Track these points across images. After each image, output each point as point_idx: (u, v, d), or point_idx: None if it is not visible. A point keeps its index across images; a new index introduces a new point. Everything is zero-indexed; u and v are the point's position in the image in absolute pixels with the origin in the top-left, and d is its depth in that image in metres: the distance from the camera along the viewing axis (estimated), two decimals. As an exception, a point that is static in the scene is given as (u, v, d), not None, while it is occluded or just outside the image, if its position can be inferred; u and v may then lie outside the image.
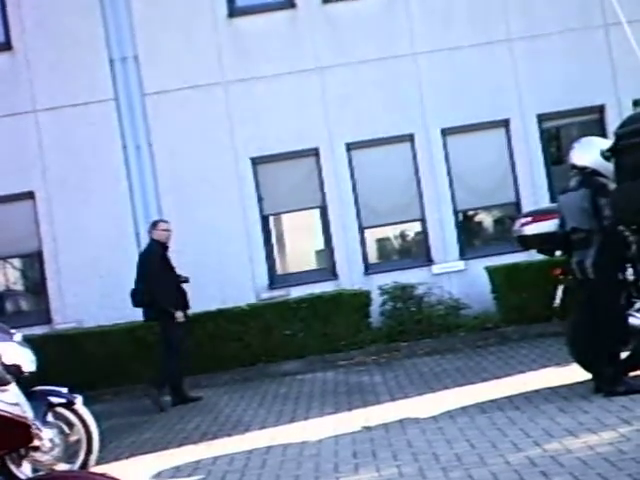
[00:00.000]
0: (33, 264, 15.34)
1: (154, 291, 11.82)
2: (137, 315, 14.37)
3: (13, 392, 4.18)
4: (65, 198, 14.95)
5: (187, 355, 12.15)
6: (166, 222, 12.52)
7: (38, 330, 13.77)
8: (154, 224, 12.49)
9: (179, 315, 11.85)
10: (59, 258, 14.92)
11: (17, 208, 15.05)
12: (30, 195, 15.01)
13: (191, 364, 12.42)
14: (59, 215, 14.95)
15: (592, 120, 15.20)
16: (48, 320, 14.76)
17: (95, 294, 14.73)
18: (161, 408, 11.64)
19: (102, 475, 4.47)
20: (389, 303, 14.17)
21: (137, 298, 12.16)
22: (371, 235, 15.35)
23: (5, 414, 4.03)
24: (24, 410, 4.15)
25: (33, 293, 15.56)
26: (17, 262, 15.66)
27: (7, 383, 4.16)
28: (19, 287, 15.79)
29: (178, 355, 11.83)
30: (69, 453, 8.08)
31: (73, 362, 13.05)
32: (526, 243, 10.08)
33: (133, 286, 12.32)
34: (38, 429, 4.23)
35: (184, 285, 12.25)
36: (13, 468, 3.78)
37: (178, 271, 12.30)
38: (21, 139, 14.96)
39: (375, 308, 14.04)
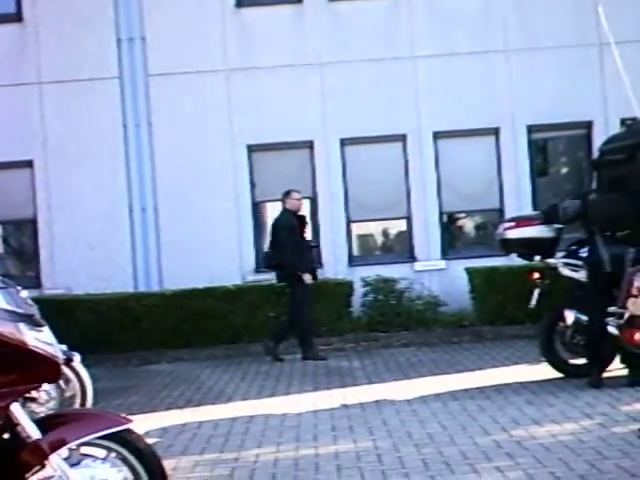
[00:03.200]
0: (27, 230, 15.70)
1: (283, 257, 12.68)
2: (126, 287, 14.85)
3: (48, 334, 4.64)
4: (63, 169, 15.29)
5: (312, 317, 13.01)
6: (298, 192, 13.29)
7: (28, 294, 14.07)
8: (287, 193, 13.16)
9: (307, 277, 12.68)
10: (53, 227, 15.29)
11: (16, 175, 15.41)
12: (29, 164, 15.36)
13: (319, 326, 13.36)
14: (56, 185, 15.30)
15: (579, 135, 15.63)
16: (38, 285, 15.07)
17: (85, 264, 15.08)
18: (278, 358, 12.63)
19: (114, 414, 4.91)
20: (371, 295, 14.54)
21: (267, 261, 13.28)
22: (357, 229, 15.74)
23: (41, 351, 4.51)
24: (56, 350, 4.62)
25: (25, 258, 15.93)
26: (12, 227, 16.03)
27: (42, 325, 4.64)
28: (12, 251, 16.12)
29: (304, 313, 12.73)
30: (63, 407, 8.48)
31: (60, 326, 13.27)
32: (508, 246, 10.49)
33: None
34: None
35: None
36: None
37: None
38: (24, 109, 15.30)
39: (357, 298, 14.44)
